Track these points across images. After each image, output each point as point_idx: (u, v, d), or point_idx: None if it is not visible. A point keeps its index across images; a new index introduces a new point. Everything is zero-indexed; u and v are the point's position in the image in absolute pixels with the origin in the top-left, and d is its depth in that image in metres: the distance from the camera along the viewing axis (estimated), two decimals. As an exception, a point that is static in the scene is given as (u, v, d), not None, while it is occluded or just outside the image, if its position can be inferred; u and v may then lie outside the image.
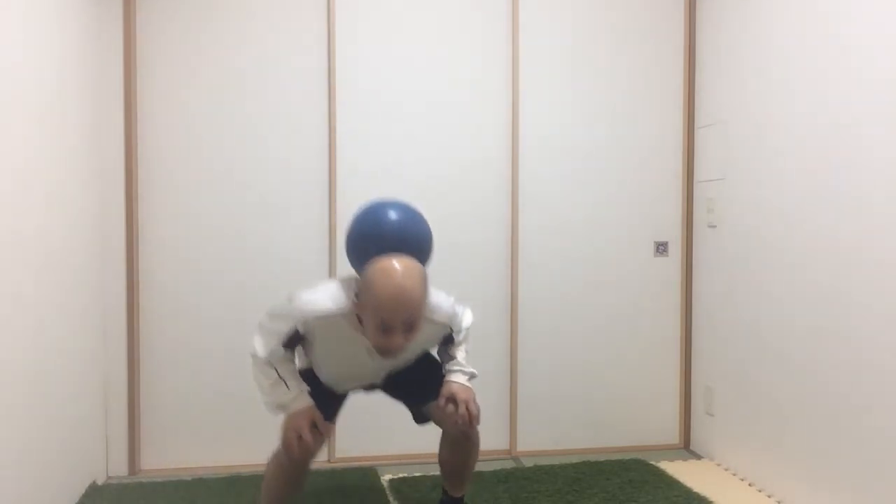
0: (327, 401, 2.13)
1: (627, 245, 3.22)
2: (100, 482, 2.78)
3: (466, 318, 2.24)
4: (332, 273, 2.97)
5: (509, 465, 3.02)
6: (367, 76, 2.99)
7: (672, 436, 3.29)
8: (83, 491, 2.63)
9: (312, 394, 2.06)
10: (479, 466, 2.91)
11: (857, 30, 2.28)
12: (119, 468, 2.89)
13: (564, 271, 3.17)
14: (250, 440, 2.94)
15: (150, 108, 2.88)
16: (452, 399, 2.09)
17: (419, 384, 2.22)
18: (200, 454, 2.95)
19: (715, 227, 3.07)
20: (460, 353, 2.21)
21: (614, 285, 3.22)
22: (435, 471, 2.86)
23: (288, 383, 2.01)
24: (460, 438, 2.20)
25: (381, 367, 2.13)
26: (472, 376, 2.18)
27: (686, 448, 3.28)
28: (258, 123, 2.95)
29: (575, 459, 3.02)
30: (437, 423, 2.25)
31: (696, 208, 3.22)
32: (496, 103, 3.09)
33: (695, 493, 2.66)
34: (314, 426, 2.00)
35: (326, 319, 1.96)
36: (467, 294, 3.10)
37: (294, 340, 2.02)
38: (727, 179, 2.97)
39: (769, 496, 2.68)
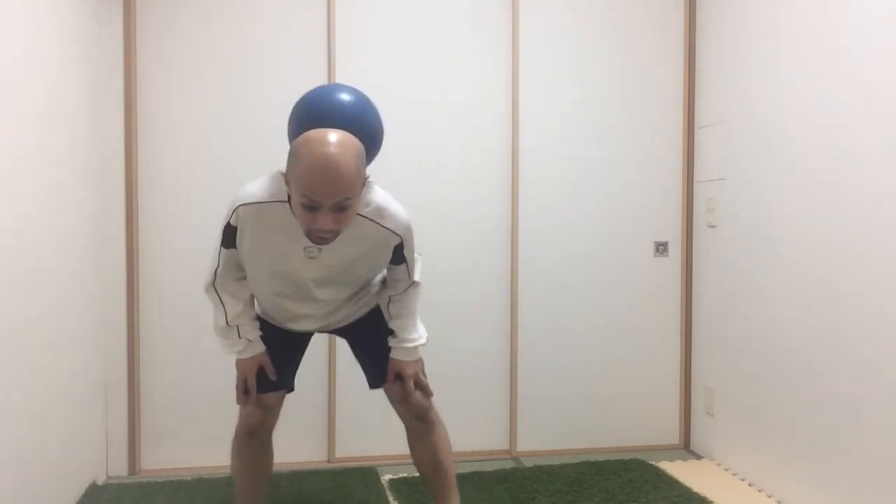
0: (280, 356, 2.01)
1: (627, 245, 3.22)
2: (100, 482, 2.78)
3: (418, 264, 2.01)
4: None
5: (509, 465, 3.02)
6: (367, 76, 2.98)
7: (672, 436, 3.29)
8: (83, 491, 2.63)
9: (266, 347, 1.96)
10: (479, 466, 2.93)
11: (856, 30, 2.28)
12: (119, 468, 2.89)
13: (564, 271, 3.17)
14: (250, 440, 2.93)
15: (150, 108, 2.88)
16: (399, 376, 1.99)
17: (380, 345, 2.04)
18: (200, 454, 2.95)
19: (715, 227, 3.07)
20: (405, 313, 1.99)
21: (614, 285, 3.21)
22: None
23: (240, 329, 1.92)
24: (416, 423, 2.04)
25: (322, 275, 1.87)
26: (415, 345, 2.00)
27: (686, 448, 3.28)
28: (258, 123, 2.95)
29: (575, 459, 3.02)
30: (393, 406, 2.09)
31: (696, 208, 3.22)
32: (496, 103, 3.09)
33: (695, 493, 2.66)
34: (262, 374, 1.91)
35: (256, 209, 1.74)
36: (468, 293, 3.12)
37: (231, 238, 1.83)
38: (727, 179, 2.97)
39: (769, 496, 2.68)
